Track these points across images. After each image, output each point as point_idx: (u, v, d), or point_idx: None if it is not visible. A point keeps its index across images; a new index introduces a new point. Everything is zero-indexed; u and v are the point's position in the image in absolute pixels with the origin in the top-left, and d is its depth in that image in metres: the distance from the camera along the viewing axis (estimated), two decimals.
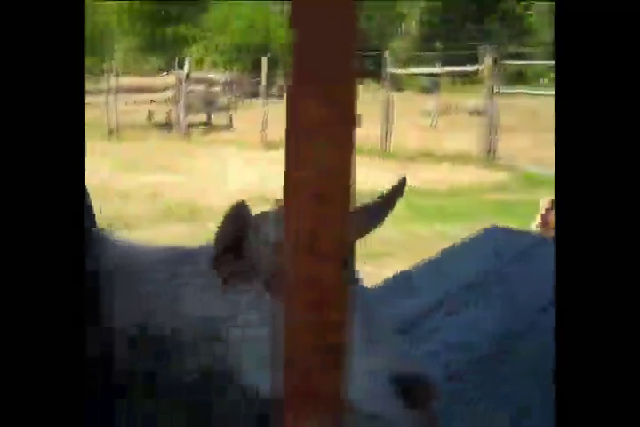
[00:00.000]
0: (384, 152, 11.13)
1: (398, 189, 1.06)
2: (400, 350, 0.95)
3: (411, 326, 1.25)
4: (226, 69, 19.43)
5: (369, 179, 8.60)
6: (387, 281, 1.49)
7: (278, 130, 12.69)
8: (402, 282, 1.49)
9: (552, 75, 18.40)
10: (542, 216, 4.12)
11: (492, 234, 1.84)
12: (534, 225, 4.20)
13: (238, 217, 0.94)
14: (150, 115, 15.01)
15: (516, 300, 1.28)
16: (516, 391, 1.04)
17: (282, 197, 0.47)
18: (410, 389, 0.85)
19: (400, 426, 0.85)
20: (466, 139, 10.79)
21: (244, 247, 0.95)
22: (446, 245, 1.73)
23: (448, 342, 1.18)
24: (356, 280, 0.96)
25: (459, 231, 4.80)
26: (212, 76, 17.26)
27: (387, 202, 1.06)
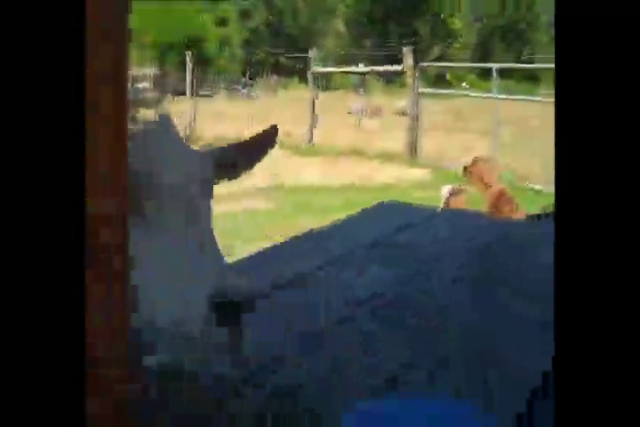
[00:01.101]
0: (309, 148, 11.26)
1: (268, 135, 1.12)
2: (223, 264, 0.99)
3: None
4: (153, 66, 19.12)
5: (292, 172, 8.73)
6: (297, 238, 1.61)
7: (207, 127, 12.65)
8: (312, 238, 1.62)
9: (472, 77, 18.92)
10: (444, 202, 4.48)
11: (389, 206, 1.98)
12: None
13: None
14: None
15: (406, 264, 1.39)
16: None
17: None
18: (222, 304, 0.90)
19: (210, 343, 0.89)
20: (391, 138, 11.02)
21: None
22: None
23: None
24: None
25: None
26: (138, 71, 16.95)
27: (256, 144, 1.12)
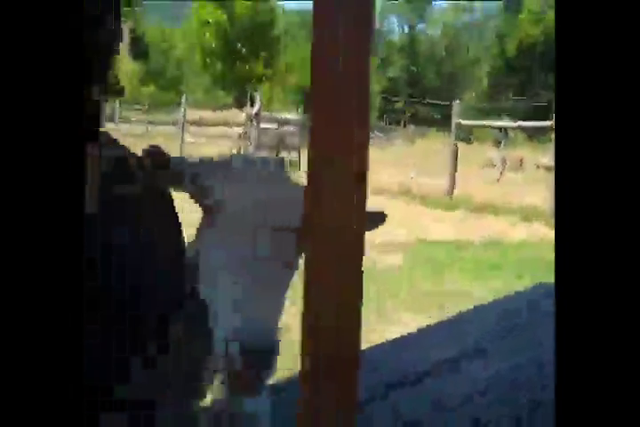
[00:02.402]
0: (448, 201, 11.12)
1: (373, 220, 1.14)
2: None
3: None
4: (297, 110, 19.79)
5: (435, 229, 8.62)
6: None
7: None
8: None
9: None
10: None
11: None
12: None
13: None
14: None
15: None
16: None
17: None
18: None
19: None
20: (533, 194, 10.69)
21: None
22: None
23: None
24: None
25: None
26: (282, 115, 17.62)
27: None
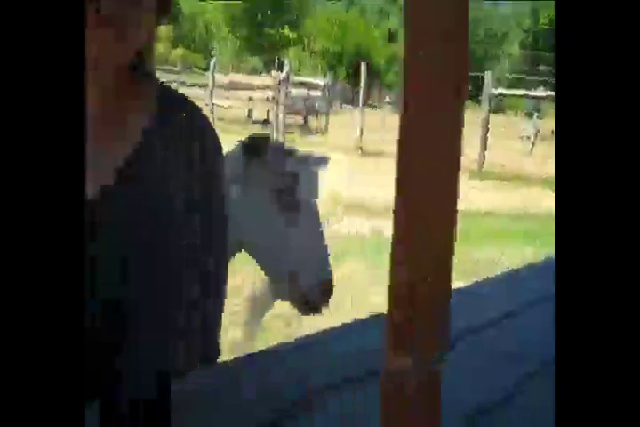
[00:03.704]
0: (479, 172, 11.05)
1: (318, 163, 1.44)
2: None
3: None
4: (323, 74, 19.63)
5: (465, 199, 8.58)
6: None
7: (373, 138, 12.79)
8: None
9: None
10: None
11: None
12: None
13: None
14: (250, 112, 15.34)
15: None
16: None
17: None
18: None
19: None
20: None
21: None
22: None
23: None
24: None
25: None
26: (310, 80, 17.51)
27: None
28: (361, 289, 4.59)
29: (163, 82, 1.04)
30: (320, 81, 17.07)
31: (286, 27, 30.35)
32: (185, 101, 1.03)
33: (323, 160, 1.83)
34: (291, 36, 30.12)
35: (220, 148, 1.03)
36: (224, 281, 1.03)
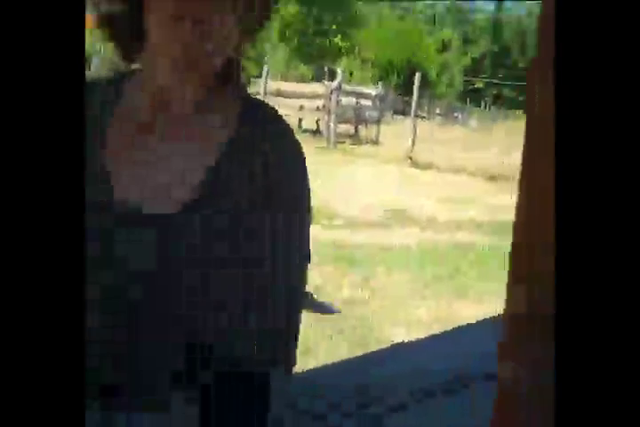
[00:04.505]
0: None
1: None
2: None
3: None
4: (375, 84, 19.61)
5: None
6: None
7: (423, 149, 12.71)
8: None
9: None
10: None
11: None
12: None
13: None
14: (300, 121, 15.42)
15: None
16: None
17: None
18: None
19: None
20: None
21: None
22: None
23: None
24: None
25: None
26: (362, 89, 17.51)
27: None
28: (401, 301, 4.57)
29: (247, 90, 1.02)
30: (371, 90, 17.06)
31: (338, 35, 30.46)
32: (265, 109, 1.01)
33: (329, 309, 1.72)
34: (342, 44, 30.21)
35: (301, 155, 1.01)
36: (304, 288, 1.02)
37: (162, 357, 0.90)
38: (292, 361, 0.99)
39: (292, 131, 1.02)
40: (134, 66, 0.98)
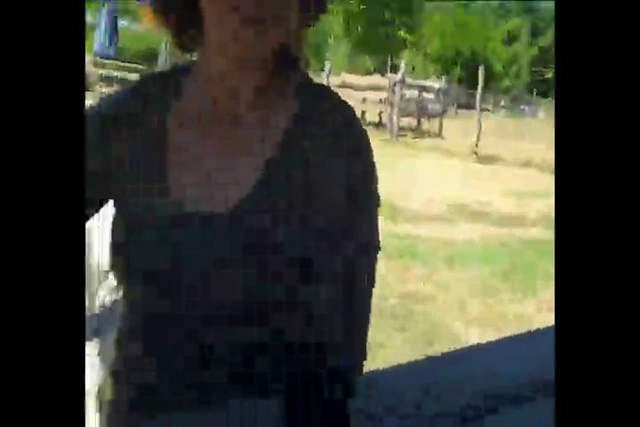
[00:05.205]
0: None
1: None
2: None
3: None
4: (438, 77, 19.36)
5: None
6: None
7: (488, 143, 12.49)
8: None
9: None
10: None
11: None
12: None
13: None
14: (363, 113, 15.37)
15: None
16: None
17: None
18: None
19: None
20: None
21: None
22: None
23: None
24: None
25: None
26: (425, 82, 17.32)
27: None
28: (465, 297, 4.50)
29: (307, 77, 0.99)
30: (434, 83, 16.85)
31: (401, 28, 30.19)
32: (328, 96, 0.98)
33: None
34: (405, 37, 29.92)
35: (368, 143, 0.98)
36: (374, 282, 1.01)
37: (228, 357, 0.89)
38: (364, 357, 0.98)
39: (359, 120, 0.99)
40: (193, 58, 0.96)
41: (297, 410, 0.90)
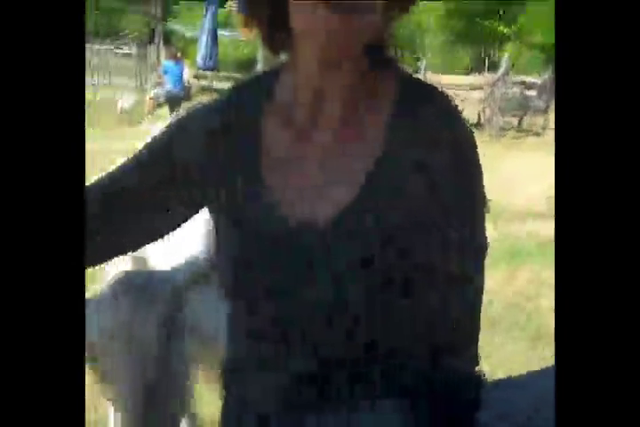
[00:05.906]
0: None
1: None
2: None
3: None
4: (539, 73, 18.76)
5: None
6: None
7: None
8: None
9: None
10: None
11: None
12: None
13: None
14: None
15: None
16: None
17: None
18: None
19: None
20: None
21: None
22: None
23: None
24: None
25: None
26: (526, 78, 16.83)
27: None
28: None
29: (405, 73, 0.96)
30: (536, 79, 16.33)
31: (500, 22, 29.48)
32: (430, 93, 0.94)
33: None
34: (505, 31, 29.20)
35: (475, 146, 0.95)
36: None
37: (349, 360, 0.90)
38: (478, 361, 0.96)
39: (462, 115, 0.95)
40: (284, 59, 0.95)
41: (425, 415, 0.89)
